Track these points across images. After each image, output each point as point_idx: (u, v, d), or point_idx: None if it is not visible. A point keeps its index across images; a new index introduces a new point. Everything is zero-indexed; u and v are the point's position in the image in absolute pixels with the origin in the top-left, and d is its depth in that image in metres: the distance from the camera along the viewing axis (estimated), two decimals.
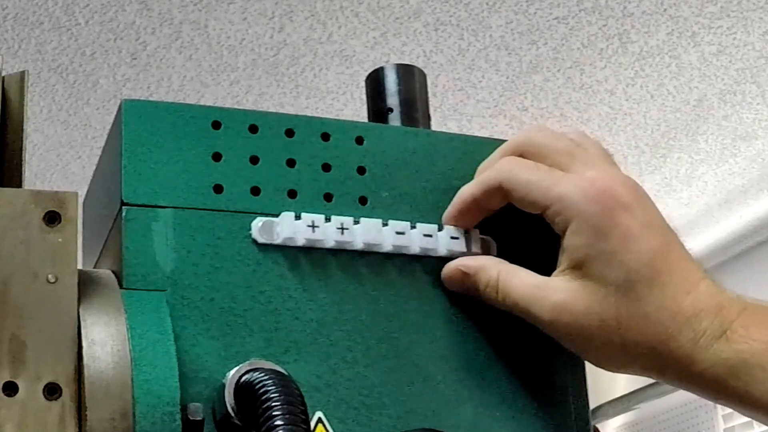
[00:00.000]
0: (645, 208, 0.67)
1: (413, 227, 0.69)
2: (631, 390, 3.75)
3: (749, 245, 3.51)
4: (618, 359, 0.67)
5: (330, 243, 0.67)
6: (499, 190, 0.68)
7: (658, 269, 0.65)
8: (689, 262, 0.67)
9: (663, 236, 0.66)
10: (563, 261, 0.67)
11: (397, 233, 0.68)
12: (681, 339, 0.65)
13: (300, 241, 0.66)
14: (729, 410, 3.64)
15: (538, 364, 0.70)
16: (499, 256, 0.70)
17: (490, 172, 0.69)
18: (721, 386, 0.65)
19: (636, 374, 0.68)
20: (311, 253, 0.67)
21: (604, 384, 4.02)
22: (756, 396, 0.64)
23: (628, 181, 0.67)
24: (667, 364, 0.66)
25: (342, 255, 0.67)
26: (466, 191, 0.70)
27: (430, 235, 0.69)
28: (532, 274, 0.68)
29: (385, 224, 0.68)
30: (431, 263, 0.69)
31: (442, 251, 0.69)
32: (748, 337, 0.64)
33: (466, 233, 0.69)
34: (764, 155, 3.11)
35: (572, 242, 0.66)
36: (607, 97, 2.77)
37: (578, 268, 0.66)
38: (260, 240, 0.66)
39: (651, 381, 3.35)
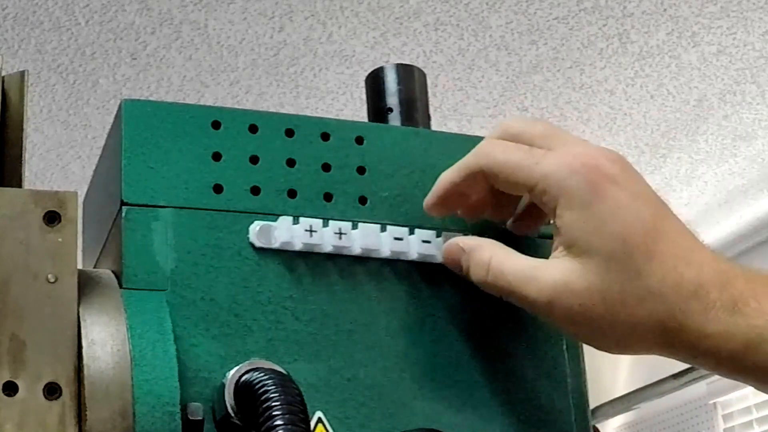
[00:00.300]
0: (632, 179, 0.65)
1: (411, 233, 0.68)
2: (631, 390, 3.75)
3: (749, 245, 3.51)
4: (626, 339, 0.64)
5: (328, 248, 0.67)
6: (480, 175, 0.67)
7: (653, 238, 0.63)
8: (685, 231, 0.65)
9: (654, 206, 0.65)
10: (557, 242, 0.65)
11: (395, 239, 0.68)
12: (690, 312, 0.63)
13: (297, 246, 0.66)
14: (729, 410, 3.64)
15: (538, 364, 0.70)
16: None
17: (469, 156, 0.68)
18: (738, 362, 0.63)
19: (645, 353, 0.65)
20: (309, 257, 0.67)
21: (604, 384, 4.02)
22: None
23: (612, 154, 0.66)
24: (679, 339, 0.63)
25: (340, 260, 0.67)
26: (446, 177, 0.68)
27: (429, 241, 0.68)
28: (528, 257, 0.66)
29: (383, 229, 0.68)
30: (429, 269, 0.69)
31: (440, 257, 0.69)
32: (762, 311, 0.62)
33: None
34: (764, 155, 3.11)
35: (563, 220, 0.64)
36: (607, 97, 2.77)
37: (573, 245, 0.64)
38: (258, 244, 0.66)
39: (651, 381, 3.32)
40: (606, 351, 0.66)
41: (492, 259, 0.66)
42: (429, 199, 0.69)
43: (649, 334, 0.64)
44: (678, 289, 0.63)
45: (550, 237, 0.72)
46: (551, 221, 0.66)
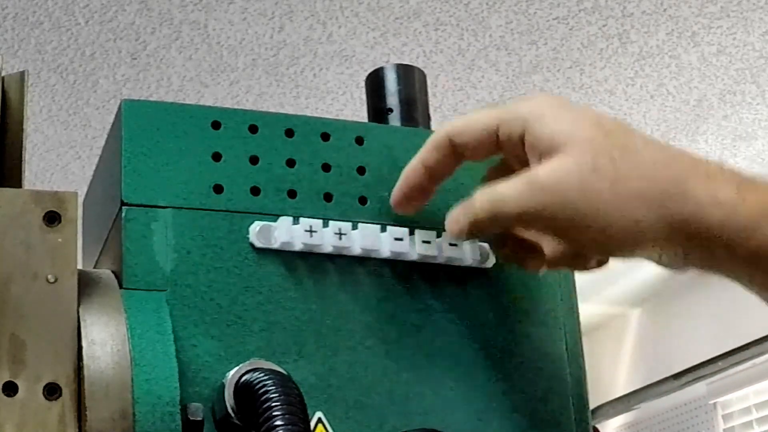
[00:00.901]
0: None
1: (411, 233, 0.68)
2: (631, 390, 3.75)
3: None
4: (630, 221, 0.61)
5: (328, 248, 0.67)
6: (447, 145, 0.66)
7: (629, 130, 0.64)
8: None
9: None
10: (534, 157, 0.63)
11: (395, 239, 0.68)
12: (694, 178, 0.61)
13: (297, 246, 0.66)
14: (729, 410, 3.64)
15: (538, 364, 0.70)
16: None
17: (431, 136, 0.67)
18: (742, 244, 0.60)
19: (653, 247, 0.62)
20: (309, 257, 0.67)
21: (604, 384, 4.02)
22: None
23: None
24: (684, 214, 0.61)
25: (340, 260, 0.67)
26: (411, 166, 0.67)
27: (429, 241, 0.68)
28: (517, 176, 0.64)
29: (383, 229, 0.68)
30: (429, 269, 0.69)
31: (440, 258, 0.69)
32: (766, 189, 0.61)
33: (465, 240, 0.69)
34: (764, 155, 3.11)
35: (536, 130, 0.63)
36: (607, 97, 2.77)
37: (552, 146, 0.63)
38: (258, 244, 0.66)
39: (651, 381, 3.32)
40: (616, 249, 0.64)
41: (486, 194, 0.65)
42: (396, 194, 0.68)
43: (653, 211, 0.61)
44: (676, 159, 0.62)
45: None
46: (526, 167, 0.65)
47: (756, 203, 0.61)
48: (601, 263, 0.69)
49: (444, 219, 0.70)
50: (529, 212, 0.63)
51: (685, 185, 0.61)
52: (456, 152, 0.67)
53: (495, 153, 0.67)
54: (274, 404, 0.57)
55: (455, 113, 2.79)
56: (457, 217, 0.66)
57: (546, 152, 0.63)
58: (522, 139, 0.64)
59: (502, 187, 0.64)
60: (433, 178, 0.68)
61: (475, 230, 0.66)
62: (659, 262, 0.65)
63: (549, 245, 0.69)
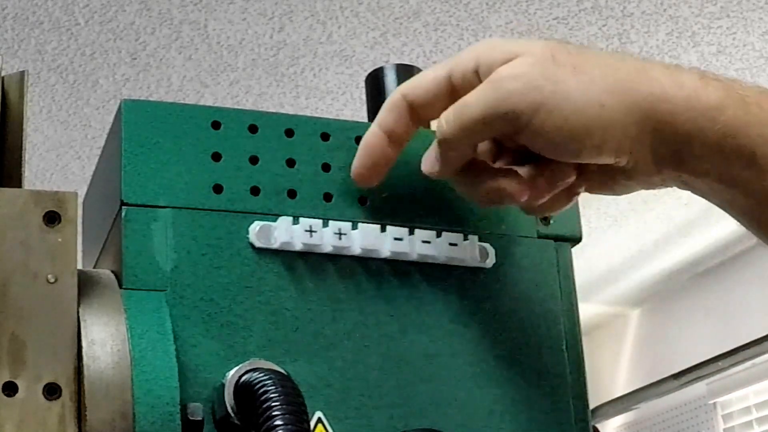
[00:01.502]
0: None
1: (411, 233, 0.68)
2: (631, 390, 3.75)
3: (749, 245, 3.51)
4: (598, 110, 0.60)
5: (327, 248, 0.67)
6: (402, 104, 0.65)
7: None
8: None
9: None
10: (491, 72, 0.63)
11: (395, 239, 0.68)
12: (656, 66, 0.61)
13: (297, 246, 0.66)
14: (729, 410, 3.64)
15: (538, 364, 0.70)
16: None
17: (387, 98, 0.67)
18: (720, 111, 0.60)
19: (625, 141, 0.61)
20: (309, 257, 0.67)
21: (604, 384, 4.02)
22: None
23: None
24: (654, 97, 0.60)
25: (340, 260, 0.67)
26: (372, 128, 0.66)
27: (429, 241, 0.68)
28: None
29: (383, 229, 0.68)
30: (429, 269, 0.69)
31: (440, 258, 0.69)
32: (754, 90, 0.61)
33: (465, 240, 0.69)
34: None
35: (488, 55, 0.62)
36: None
37: (508, 58, 0.62)
38: (257, 244, 0.66)
39: (651, 381, 3.32)
40: (583, 143, 0.61)
41: (450, 108, 0.63)
42: (357, 164, 0.67)
43: (616, 95, 0.60)
44: (632, 56, 0.62)
45: (551, 237, 0.72)
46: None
47: (719, 87, 0.61)
48: (575, 185, 0.66)
49: (443, 218, 0.70)
50: (494, 108, 0.61)
51: (648, 72, 0.61)
52: (412, 111, 0.65)
53: (450, 104, 0.64)
54: (274, 404, 0.57)
55: None
56: (428, 152, 0.66)
57: (502, 64, 0.62)
58: (477, 72, 0.63)
59: (464, 97, 0.63)
60: (394, 143, 0.66)
61: (447, 150, 0.64)
62: (628, 170, 0.63)
63: (523, 170, 0.66)
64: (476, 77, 0.63)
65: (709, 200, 0.65)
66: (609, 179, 0.66)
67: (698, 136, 0.60)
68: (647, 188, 0.66)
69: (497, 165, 0.66)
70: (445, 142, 0.64)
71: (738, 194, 0.63)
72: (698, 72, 0.62)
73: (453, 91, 0.64)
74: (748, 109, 0.60)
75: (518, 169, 0.66)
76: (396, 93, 0.66)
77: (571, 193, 0.67)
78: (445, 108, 0.65)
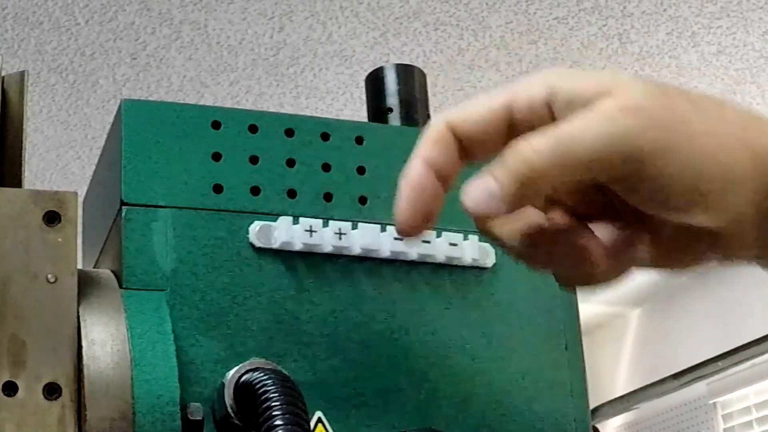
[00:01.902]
0: None
1: None
2: (631, 390, 3.75)
3: None
4: (727, 173, 0.49)
5: (327, 248, 0.67)
6: (449, 137, 0.53)
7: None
8: None
9: None
10: (576, 110, 0.50)
11: (395, 239, 0.68)
12: (759, 117, 0.49)
13: (297, 246, 0.66)
14: (729, 410, 3.64)
15: (537, 364, 0.70)
16: None
17: (426, 130, 0.53)
18: None
19: (753, 212, 0.49)
20: (309, 257, 0.67)
21: (604, 384, 4.02)
22: None
23: None
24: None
25: (340, 260, 0.67)
26: (415, 163, 0.53)
27: (429, 241, 0.68)
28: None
29: (383, 229, 0.68)
30: (429, 269, 0.69)
31: (440, 257, 0.69)
32: None
33: (465, 240, 0.69)
34: None
35: (566, 87, 0.51)
36: None
37: (601, 91, 0.49)
38: (258, 244, 0.66)
39: (651, 381, 3.31)
40: (695, 209, 0.49)
41: (545, 136, 0.49)
42: (403, 210, 0.53)
43: (745, 149, 0.49)
44: (752, 115, 0.51)
45: None
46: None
47: None
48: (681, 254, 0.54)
49: (443, 219, 0.70)
50: (610, 146, 0.48)
51: (759, 119, 0.50)
52: (461, 146, 0.53)
53: (507, 141, 0.52)
54: (274, 404, 0.57)
55: None
56: (478, 185, 0.50)
57: (592, 99, 0.50)
58: (549, 105, 0.51)
59: (564, 127, 0.49)
60: (441, 179, 0.53)
61: (527, 188, 0.49)
62: (720, 237, 0.51)
63: (606, 232, 0.54)
64: (548, 111, 0.51)
65: None
66: (682, 249, 0.54)
67: None
68: (723, 264, 0.55)
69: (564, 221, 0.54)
70: (531, 180, 0.49)
71: None
72: None
73: (512, 126, 0.52)
74: None
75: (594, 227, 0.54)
76: (440, 123, 0.53)
77: (633, 261, 0.55)
78: (499, 146, 0.52)
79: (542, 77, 0.52)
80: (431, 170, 0.53)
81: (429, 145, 0.53)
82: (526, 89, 0.52)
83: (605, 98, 0.49)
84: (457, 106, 0.54)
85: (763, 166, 0.49)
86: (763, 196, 0.50)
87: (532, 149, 0.49)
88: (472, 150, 0.53)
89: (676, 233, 0.53)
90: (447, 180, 0.53)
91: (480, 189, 0.50)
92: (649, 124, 0.48)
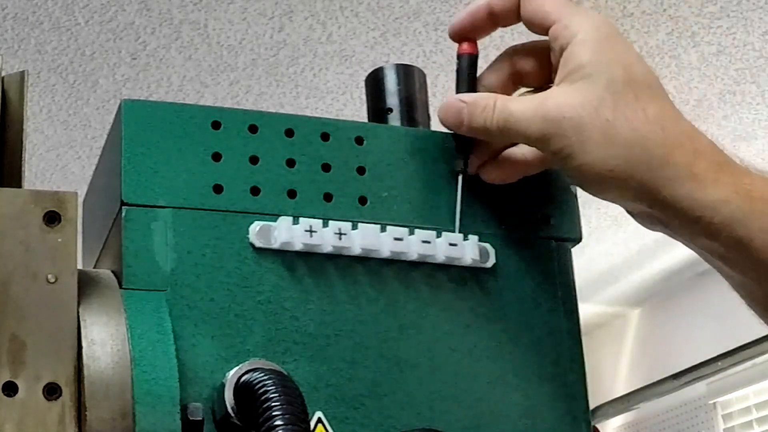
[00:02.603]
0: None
1: (411, 233, 0.68)
2: (631, 390, 3.75)
3: None
4: (606, 173, 0.66)
5: (327, 248, 0.67)
6: (515, 2, 0.71)
7: (659, 85, 0.69)
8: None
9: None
10: (562, 72, 0.68)
11: (396, 239, 0.68)
12: (683, 149, 0.66)
13: (297, 246, 0.66)
14: (729, 410, 3.64)
15: (538, 364, 0.70)
16: None
17: None
18: (719, 210, 0.65)
19: (624, 195, 0.67)
20: (309, 257, 0.67)
21: (604, 384, 4.02)
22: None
23: None
24: (664, 180, 0.65)
25: (340, 260, 0.67)
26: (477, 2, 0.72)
27: (429, 242, 0.68)
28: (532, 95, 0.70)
29: (383, 229, 0.68)
30: (429, 269, 0.69)
31: (440, 258, 0.69)
32: (744, 174, 0.67)
33: (465, 240, 0.69)
34: (764, 155, 3.11)
35: (575, 48, 0.68)
36: None
37: (579, 70, 0.67)
38: (257, 244, 0.66)
39: (651, 381, 3.32)
40: (583, 183, 0.68)
41: (497, 100, 0.69)
42: (459, 20, 0.73)
43: (630, 165, 0.66)
44: (676, 126, 0.67)
45: (551, 237, 0.72)
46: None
47: (730, 183, 0.66)
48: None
49: (443, 219, 0.70)
50: (530, 136, 0.68)
51: (672, 151, 0.66)
52: (516, 13, 0.71)
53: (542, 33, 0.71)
54: (274, 404, 0.57)
55: None
56: (472, 109, 0.70)
57: (570, 73, 0.67)
58: (562, 49, 0.68)
59: (515, 107, 0.68)
60: (493, 17, 0.72)
61: (484, 136, 0.70)
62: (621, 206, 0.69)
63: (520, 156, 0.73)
64: (558, 51, 0.69)
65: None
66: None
67: (697, 223, 0.66)
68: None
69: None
70: (485, 133, 0.69)
71: (723, 266, 0.68)
72: (719, 160, 0.67)
73: (542, 31, 0.71)
74: (753, 203, 0.65)
75: None
76: None
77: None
78: (512, 15, 0.72)
79: (574, 28, 0.68)
80: (489, 6, 0.72)
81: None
82: (563, 27, 0.69)
83: (563, 85, 0.68)
84: None
85: (647, 185, 0.66)
86: (646, 202, 0.67)
87: (492, 117, 0.68)
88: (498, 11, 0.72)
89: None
90: (499, 19, 0.72)
91: (454, 109, 0.71)
92: (557, 136, 0.66)
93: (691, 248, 0.69)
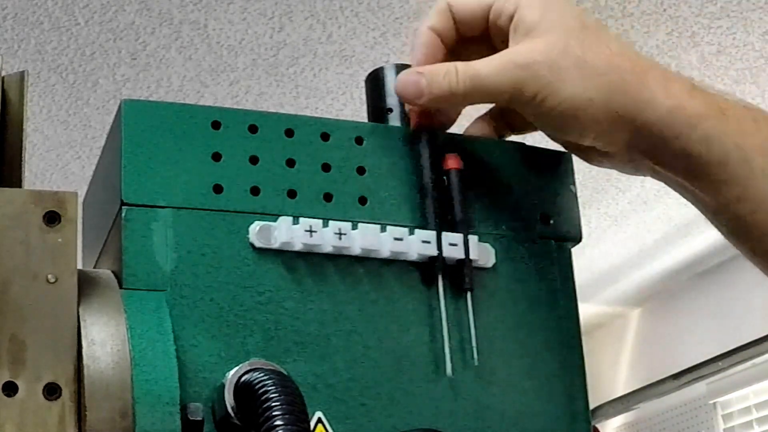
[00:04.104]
0: None
1: (411, 233, 0.68)
2: (631, 390, 3.75)
3: None
4: (585, 103, 0.68)
5: (327, 248, 0.67)
6: (447, 11, 0.72)
7: (603, 30, 0.71)
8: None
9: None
10: (516, 37, 0.70)
11: (395, 239, 0.68)
12: (654, 72, 0.68)
13: (297, 246, 0.66)
14: (729, 410, 3.64)
15: (538, 363, 0.70)
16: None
17: (436, 3, 0.73)
18: (697, 124, 0.67)
19: (599, 131, 0.69)
20: (309, 257, 0.67)
21: (604, 384, 4.02)
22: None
23: None
24: (643, 101, 0.67)
25: (340, 260, 0.67)
26: (421, 28, 0.73)
27: (429, 242, 0.68)
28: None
29: (383, 230, 0.68)
30: (429, 269, 0.69)
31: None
32: (718, 96, 0.69)
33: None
34: None
35: (524, 12, 0.69)
36: None
37: (534, 28, 0.69)
38: (258, 244, 0.66)
39: (651, 381, 3.32)
40: (562, 124, 0.69)
41: (458, 65, 0.69)
42: (414, 54, 0.72)
43: (608, 92, 0.68)
44: (640, 57, 0.70)
45: (551, 237, 0.72)
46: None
47: (704, 101, 0.68)
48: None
49: (443, 219, 0.70)
50: (502, 89, 0.69)
51: (643, 78, 0.68)
52: (454, 20, 0.72)
53: (482, 31, 0.72)
54: (274, 404, 0.57)
55: None
56: (411, 76, 0.70)
57: (526, 33, 0.69)
58: (510, 18, 0.70)
59: (480, 66, 0.69)
60: (442, 42, 0.72)
61: (449, 101, 0.70)
62: (603, 152, 0.71)
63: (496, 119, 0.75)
64: (507, 23, 0.70)
65: (677, 192, 0.72)
66: (585, 152, 0.73)
67: (677, 140, 0.68)
68: (620, 171, 0.74)
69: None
70: (452, 97, 0.69)
71: (706, 194, 0.70)
72: (690, 84, 0.70)
73: (488, 21, 0.72)
74: (727, 121, 0.68)
75: None
76: (442, 1, 0.73)
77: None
78: (478, 30, 0.72)
79: None
80: (433, 32, 0.72)
81: (432, 15, 0.72)
82: (505, 1, 0.71)
83: (522, 42, 0.69)
84: None
85: (623, 113, 0.68)
86: (628, 133, 0.69)
87: (457, 79, 0.69)
88: (460, 27, 0.73)
89: (567, 145, 0.74)
90: (446, 43, 0.72)
91: (412, 80, 0.70)
92: (531, 80, 0.68)
93: (668, 181, 0.71)
